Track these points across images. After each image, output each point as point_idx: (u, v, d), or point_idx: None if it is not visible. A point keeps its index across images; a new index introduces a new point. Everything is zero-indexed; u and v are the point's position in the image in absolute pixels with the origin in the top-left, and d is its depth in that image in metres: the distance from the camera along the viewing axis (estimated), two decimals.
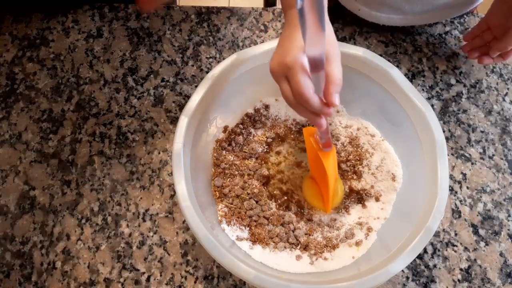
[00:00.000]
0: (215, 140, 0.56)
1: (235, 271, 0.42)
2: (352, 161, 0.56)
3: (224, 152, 0.56)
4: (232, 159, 0.56)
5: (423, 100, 0.50)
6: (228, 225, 0.51)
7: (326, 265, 0.49)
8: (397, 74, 0.51)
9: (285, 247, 0.50)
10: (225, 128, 0.57)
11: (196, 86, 0.64)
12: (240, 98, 0.57)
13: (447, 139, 0.61)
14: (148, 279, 0.53)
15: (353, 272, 0.47)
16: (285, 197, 0.55)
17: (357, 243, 0.50)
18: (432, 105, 0.63)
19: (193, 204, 0.44)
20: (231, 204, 0.53)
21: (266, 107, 0.59)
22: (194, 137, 0.49)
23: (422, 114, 0.49)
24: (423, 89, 0.65)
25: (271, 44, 0.52)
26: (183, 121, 0.48)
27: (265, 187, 0.55)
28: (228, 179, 0.54)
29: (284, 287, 0.41)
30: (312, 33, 0.32)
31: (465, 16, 0.70)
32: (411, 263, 0.53)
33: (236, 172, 0.55)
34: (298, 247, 0.51)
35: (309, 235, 0.52)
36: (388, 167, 0.55)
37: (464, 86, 0.66)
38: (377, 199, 0.54)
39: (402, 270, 0.53)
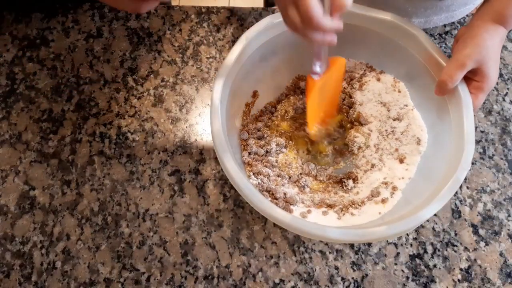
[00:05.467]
0: (245, 103, 0.58)
1: (273, 215, 0.42)
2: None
3: (251, 115, 0.58)
4: (260, 125, 0.58)
5: None
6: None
7: (353, 220, 0.50)
8: (424, 37, 0.51)
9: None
10: (254, 92, 0.59)
11: (196, 86, 0.65)
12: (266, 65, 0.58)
13: None
14: (148, 279, 0.53)
15: (380, 224, 0.47)
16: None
17: (383, 201, 0.51)
18: None
19: (231, 156, 0.45)
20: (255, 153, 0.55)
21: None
22: (228, 96, 0.50)
23: None
24: None
25: None
26: (220, 80, 0.49)
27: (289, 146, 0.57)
28: (252, 138, 0.56)
29: (322, 230, 0.42)
30: None
31: (465, 15, 0.70)
32: (411, 263, 0.54)
33: (266, 131, 0.58)
34: (324, 206, 0.52)
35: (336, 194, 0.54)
36: (414, 132, 0.55)
37: None
38: (401, 161, 0.54)
39: (402, 270, 0.53)
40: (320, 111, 0.56)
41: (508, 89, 0.65)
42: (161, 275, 0.53)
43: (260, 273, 0.53)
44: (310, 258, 0.54)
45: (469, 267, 0.54)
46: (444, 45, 0.68)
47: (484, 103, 0.64)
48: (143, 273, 0.53)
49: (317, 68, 0.48)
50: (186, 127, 0.62)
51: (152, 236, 0.55)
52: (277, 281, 0.53)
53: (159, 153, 0.60)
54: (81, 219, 0.56)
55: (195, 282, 0.53)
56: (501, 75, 0.66)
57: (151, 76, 0.66)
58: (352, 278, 0.53)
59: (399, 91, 0.58)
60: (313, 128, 0.56)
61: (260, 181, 0.52)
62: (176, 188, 0.58)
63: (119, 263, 0.54)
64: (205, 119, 0.62)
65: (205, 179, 0.58)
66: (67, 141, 0.61)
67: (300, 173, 0.56)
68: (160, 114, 0.63)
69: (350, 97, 0.60)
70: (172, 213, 0.56)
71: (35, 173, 0.59)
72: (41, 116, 0.62)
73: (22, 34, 0.68)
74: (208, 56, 0.67)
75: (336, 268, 0.54)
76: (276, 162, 0.56)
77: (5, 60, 0.66)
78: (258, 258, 0.54)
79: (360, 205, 0.51)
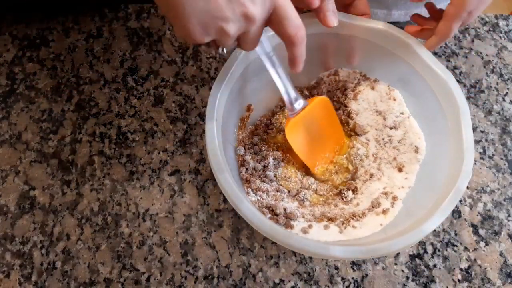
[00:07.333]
0: (239, 118, 0.57)
1: (275, 236, 0.42)
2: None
3: (247, 129, 0.57)
4: (256, 139, 0.57)
5: (444, 69, 0.50)
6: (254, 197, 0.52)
7: (356, 233, 0.49)
8: (417, 45, 0.51)
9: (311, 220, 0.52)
10: (248, 106, 0.58)
11: (196, 86, 0.65)
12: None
13: None
14: (148, 279, 0.53)
15: (383, 238, 0.47)
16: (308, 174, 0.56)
17: (384, 211, 0.51)
18: None
19: (229, 175, 0.45)
20: (253, 170, 0.54)
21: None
22: (223, 112, 0.50)
23: (444, 82, 0.49)
24: None
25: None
26: (214, 97, 0.48)
27: (286, 162, 0.57)
28: (249, 153, 0.56)
29: (325, 249, 0.42)
30: None
31: None
32: (411, 263, 0.54)
33: (263, 145, 0.57)
34: (325, 219, 0.52)
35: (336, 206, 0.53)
36: (411, 140, 0.55)
37: (464, 86, 0.66)
38: (400, 170, 0.54)
39: (402, 270, 0.53)
40: (317, 150, 0.55)
41: (508, 89, 0.65)
42: (161, 275, 0.53)
43: (260, 273, 0.53)
44: (310, 258, 0.54)
45: (469, 267, 0.54)
46: (444, 45, 0.68)
47: (484, 103, 0.64)
48: (143, 273, 0.53)
49: (288, 105, 0.50)
50: (186, 127, 0.62)
51: (152, 236, 0.55)
52: (277, 281, 0.53)
53: (159, 153, 0.60)
54: (81, 219, 0.56)
55: (195, 282, 0.53)
56: (501, 75, 0.66)
57: (151, 76, 0.66)
58: (352, 278, 0.53)
59: (394, 99, 0.57)
60: (317, 168, 0.55)
61: (259, 198, 0.52)
62: (176, 188, 0.58)
63: (119, 263, 0.54)
64: (205, 119, 0.62)
65: (205, 179, 0.58)
66: (67, 141, 0.61)
67: (300, 187, 0.55)
68: (160, 114, 0.63)
69: (346, 107, 0.59)
70: (172, 213, 0.56)
71: (35, 173, 0.59)
72: (41, 116, 0.62)
73: (22, 34, 0.68)
74: (208, 56, 0.67)
75: (336, 268, 0.54)
76: (275, 176, 0.55)
77: (5, 60, 0.66)
78: (258, 258, 0.54)
79: (361, 217, 0.51)
